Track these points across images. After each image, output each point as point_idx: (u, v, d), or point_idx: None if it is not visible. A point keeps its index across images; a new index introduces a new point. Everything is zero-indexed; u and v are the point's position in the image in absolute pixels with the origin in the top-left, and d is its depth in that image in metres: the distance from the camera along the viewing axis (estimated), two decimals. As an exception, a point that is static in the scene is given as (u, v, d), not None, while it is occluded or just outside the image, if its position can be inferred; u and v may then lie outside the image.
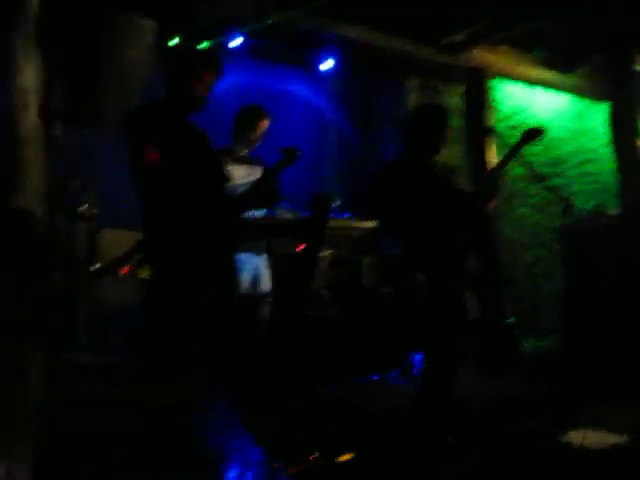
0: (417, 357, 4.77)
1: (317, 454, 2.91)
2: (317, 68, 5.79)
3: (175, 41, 4.72)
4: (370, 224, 4.87)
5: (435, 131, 3.60)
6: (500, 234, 6.39)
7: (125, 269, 3.73)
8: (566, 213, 3.70)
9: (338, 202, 4.94)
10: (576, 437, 3.09)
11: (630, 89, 5.50)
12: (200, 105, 3.12)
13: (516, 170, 6.58)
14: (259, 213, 4.31)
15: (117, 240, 3.66)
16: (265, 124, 4.34)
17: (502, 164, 3.78)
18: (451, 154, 6.21)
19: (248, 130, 4.32)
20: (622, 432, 3.23)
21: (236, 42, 5.07)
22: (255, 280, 4.24)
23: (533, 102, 7.03)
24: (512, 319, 5.96)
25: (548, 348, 5.87)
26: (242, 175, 4.24)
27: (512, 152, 3.65)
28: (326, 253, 4.52)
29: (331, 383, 4.34)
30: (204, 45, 4.93)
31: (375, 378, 4.57)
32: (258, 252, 4.21)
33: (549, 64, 6.48)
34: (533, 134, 3.65)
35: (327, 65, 5.74)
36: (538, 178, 3.69)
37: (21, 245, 2.74)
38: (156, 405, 2.82)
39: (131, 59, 3.71)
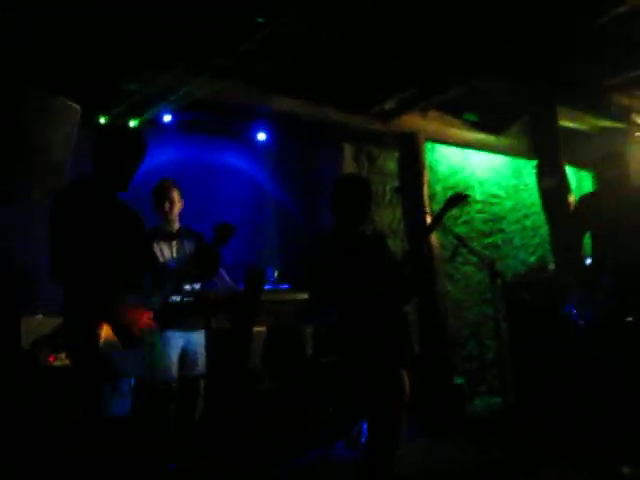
0: (364, 426, 4.68)
1: None
2: (252, 139, 5.85)
3: (102, 120, 4.70)
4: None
5: (355, 202, 3.60)
6: (445, 294, 6.41)
7: (51, 357, 3.61)
8: (493, 280, 3.66)
9: (276, 274, 4.91)
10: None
11: (554, 147, 5.64)
12: (125, 185, 3.08)
13: (459, 229, 6.71)
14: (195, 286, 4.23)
15: (38, 327, 3.54)
16: (173, 193, 4.30)
17: (428, 230, 3.81)
18: (388, 217, 6.29)
19: (160, 205, 4.29)
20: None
21: (167, 118, 5.09)
22: (185, 359, 4.08)
23: (469, 162, 7.21)
24: (460, 379, 5.93)
25: (497, 407, 5.83)
26: (172, 252, 4.20)
27: (436, 219, 3.66)
28: (261, 328, 4.44)
29: (273, 461, 4.22)
30: (134, 122, 4.93)
31: (320, 452, 4.45)
32: (188, 328, 4.07)
33: (480, 127, 6.65)
34: (456, 200, 3.64)
35: (262, 136, 5.80)
36: (463, 242, 3.67)
37: None
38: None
39: (52, 140, 3.69)
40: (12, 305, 3.80)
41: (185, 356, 4.05)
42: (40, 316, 3.60)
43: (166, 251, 4.16)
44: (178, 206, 4.32)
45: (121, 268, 3.01)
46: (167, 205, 4.27)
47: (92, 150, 3.08)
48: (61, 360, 3.49)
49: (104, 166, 3.03)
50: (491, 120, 6.67)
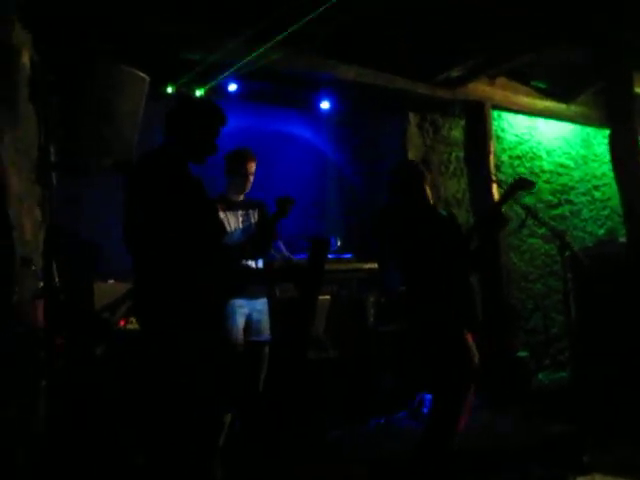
0: (427, 397, 4.68)
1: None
2: (316, 108, 5.81)
3: (169, 89, 4.75)
4: (372, 265, 4.83)
5: (410, 187, 3.65)
6: (510, 266, 6.31)
7: (122, 321, 3.72)
8: (562, 250, 3.57)
9: (339, 243, 4.92)
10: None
11: (630, 114, 5.41)
12: (212, 153, 3.07)
13: (526, 199, 6.53)
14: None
15: (110, 292, 3.65)
16: (252, 166, 4.24)
17: (497, 206, 3.75)
18: (453, 187, 6.19)
19: (235, 175, 4.24)
20: (634, 476, 3.11)
21: (232, 87, 5.10)
22: (249, 325, 4.11)
23: (536, 131, 6.99)
24: (524, 353, 5.85)
25: (563, 381, 5.73)
26: (237, 222, 4.20)
27: (500, 202, 3.63)
28: (325, 297, 4.46)
29: (336, 427, 4.27)
30: (199, 91, 4.96)
31: (381, 421, 4.48)
32: (253, 297, 4.09)
33: (548, 94, 6.45)
34: (521, 185, 3.57)
35: (325, 105, 5.76)
36: (532, 213, 3.58)
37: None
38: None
39: (123, 110, 3.73)
40: (85, 271, 3.91)
41: (250, 323, 4.08)
42: (112, 281, 3.70)
43: (232, 221, 4.15)
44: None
45: (196, 237, 3.01)
46: (249, 179, 4.19)
47: (169, 119, 3.06)
48: (132, 324, 3.60)
49: (181, 135, 3.02)
50: (561, 87, 6.45)
